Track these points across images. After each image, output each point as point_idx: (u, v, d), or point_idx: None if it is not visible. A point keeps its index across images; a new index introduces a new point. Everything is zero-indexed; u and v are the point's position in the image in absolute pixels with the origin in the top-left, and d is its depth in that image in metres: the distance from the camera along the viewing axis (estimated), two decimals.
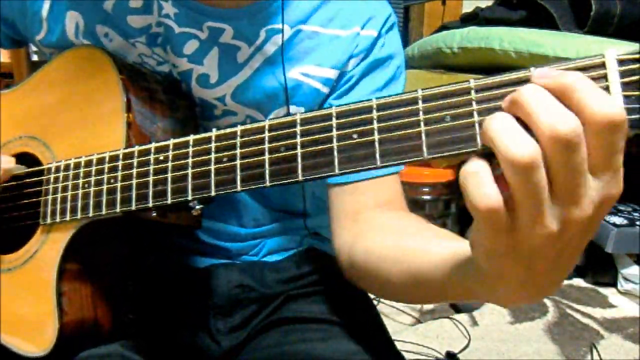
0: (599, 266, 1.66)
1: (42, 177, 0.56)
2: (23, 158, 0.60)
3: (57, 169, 0.54)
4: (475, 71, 1.59)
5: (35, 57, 2.38)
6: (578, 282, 1.68)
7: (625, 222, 1.54)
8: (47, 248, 0.55)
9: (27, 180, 0.58)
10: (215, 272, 0.67)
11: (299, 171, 0.38)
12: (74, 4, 0.60)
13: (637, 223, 1.54)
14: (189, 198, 0.44)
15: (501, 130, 0.30)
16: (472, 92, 0.33)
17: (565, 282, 1.67)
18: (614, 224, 1.52)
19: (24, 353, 0.55)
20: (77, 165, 0.52)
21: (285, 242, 0.71)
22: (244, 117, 0.62)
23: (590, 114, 0.28)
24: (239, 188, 0.41)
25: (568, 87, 0.29)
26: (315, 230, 0.72)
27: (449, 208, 1.78)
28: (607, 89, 0.30)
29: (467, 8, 2.09)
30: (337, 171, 0.37)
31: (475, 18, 1.79)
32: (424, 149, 0.34)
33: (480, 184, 0.30)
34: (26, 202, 0.58)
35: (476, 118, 0.33)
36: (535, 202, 0.30)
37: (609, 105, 0.28)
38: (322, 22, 0.61)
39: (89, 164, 0.51)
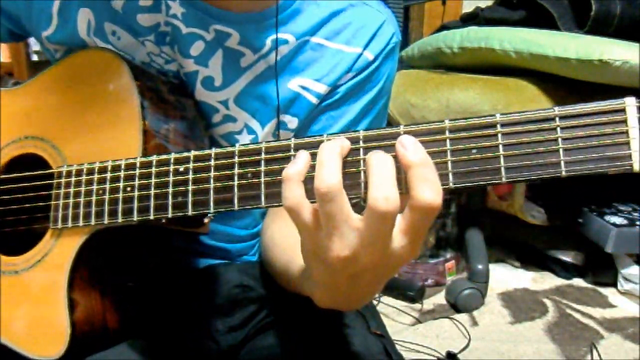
0: (599, 266, 1.65)
1: (53, 181, 0.54)
2: (29, 159, 0.59)
3: (69, 174, 0.53)
4: (475, 71, 1.59)
5: (35, 57, 2.39)
6: (578, 282, 1.68)
7: (625, 222, 1.54)
8: (58, 252, 0.54)
9: (36, 182, 0.57)
10: (214, 273, 0.67)
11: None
12: (85, 2, 0.60)
13: (637, 223, 1.54)
14: (211, 211, 0.44)
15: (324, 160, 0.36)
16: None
17: (565, 282, 1.67)
18: (614, 224, 1.51)
19: (34, 357, 0.54)
20: (90, 171, 0.51)
21: None
22: (242, 125, 0.62)
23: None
24: (262, 204, 0.42)
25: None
26: None
27: (449, 207, 1.78)
28: (626, 133, 0.32)
29: (467, 8, 2.09)
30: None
31: (475, 18, 1.79)
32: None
33: (292, 187, 0.36)
34: (35, 206, 0.57)
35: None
36: (330, 224, 0.35)
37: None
38: (329, 34, 0.62)
39: (103, 170, 0.50)
